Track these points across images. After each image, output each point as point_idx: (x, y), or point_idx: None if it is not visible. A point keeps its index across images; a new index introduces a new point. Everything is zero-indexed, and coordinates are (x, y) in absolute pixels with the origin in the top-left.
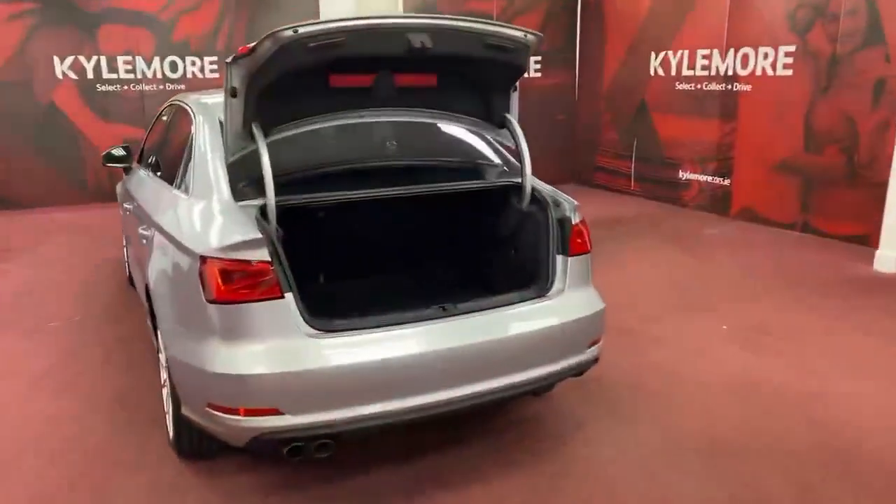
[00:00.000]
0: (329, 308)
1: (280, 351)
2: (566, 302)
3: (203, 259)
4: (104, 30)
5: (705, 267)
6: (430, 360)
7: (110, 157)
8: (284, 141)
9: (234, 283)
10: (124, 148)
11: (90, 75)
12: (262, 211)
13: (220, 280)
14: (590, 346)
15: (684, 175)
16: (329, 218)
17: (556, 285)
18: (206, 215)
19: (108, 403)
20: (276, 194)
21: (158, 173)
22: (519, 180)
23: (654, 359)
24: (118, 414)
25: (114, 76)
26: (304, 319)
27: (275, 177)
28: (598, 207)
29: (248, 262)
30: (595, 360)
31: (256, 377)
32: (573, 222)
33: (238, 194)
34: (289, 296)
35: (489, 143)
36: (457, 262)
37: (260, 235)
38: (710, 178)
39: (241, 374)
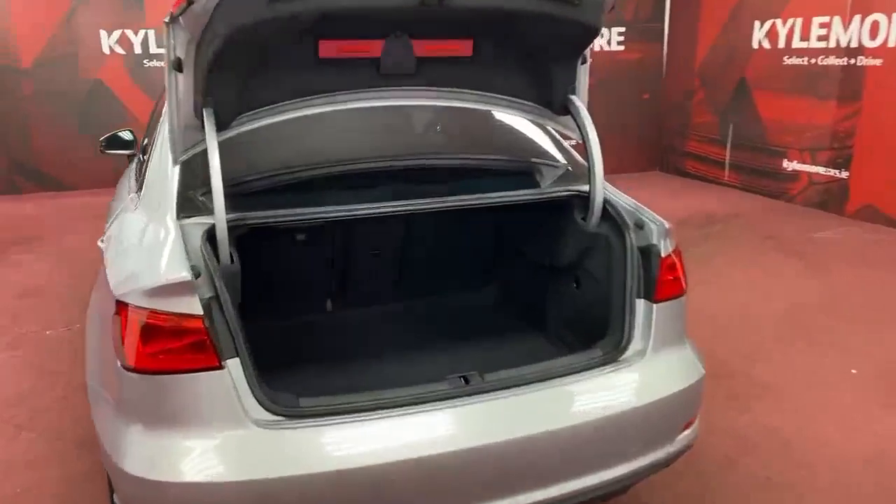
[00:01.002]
0: (301, 372)
1: (218, 448)
2: (649, 371)
3: (120, 305)
4: (152, 0)
5: (820, 281)
6: (445, 465)
7: (114, 142)
8: (256, 134)
9: (157, 345)
10: (131, 131)
11: (138, 50)
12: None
13: (139, 339)
14: (682, 431)
15: (790, 165)
16: (316, 238)
17: (636, 345)
18: (141, 237)
19: (72, 446)
20: (243, 207)
21: (141, 165)
22: (585, 188)
23: (764, 419)
24: (77, 463)
25: (162, 51)
26: (256, 398)
27: (241, 183)
28: (686, 201)
29: (173, 315)
30: (689, 447)
31: (181, 488)
32: (662, 253)
33: (188, 207)
34: (232, 364)
35: (548, 136)
36: (495, 296)
37: (189, 277)
38: (822, 170)
39: (160, 482)
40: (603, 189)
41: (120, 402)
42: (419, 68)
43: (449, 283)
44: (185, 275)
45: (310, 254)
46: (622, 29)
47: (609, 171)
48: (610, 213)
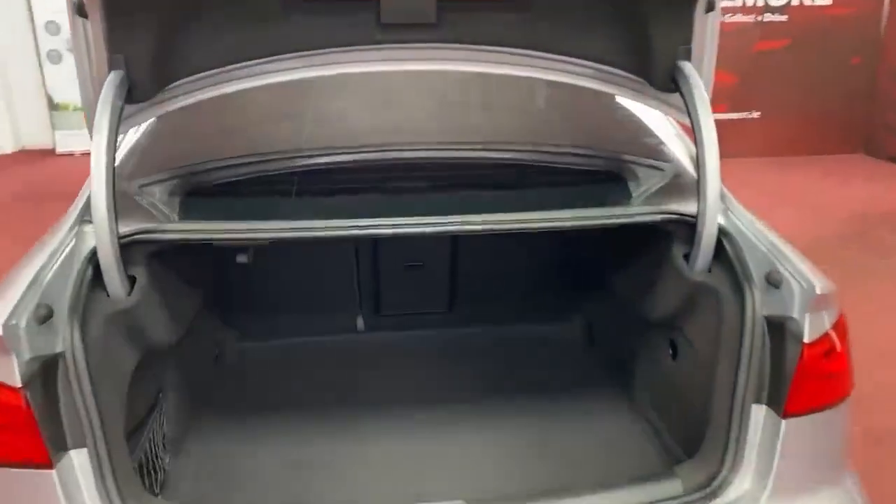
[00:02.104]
0: (262, 434)
1: None
2: None
3: None
4: None
5: None
6: None
7: None
8: (194, 109)
9: None
10: None
11: None
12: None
13: None
14: None
15: None
16: (269, 256)
17: (742, 481)
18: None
19: None
20: (190, 209)
21: None
22: (692, 209)
23: None
24: None
25: None
26: None
27: (196, 173)
28: (893, 194)
29: None
30: None
31: None
32: (805, 336)
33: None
34: (77, 458)
35: (665, 120)
36: (581, 331)
37: None
38: None
39: None
40: (719, 213)
41: None
42: (442, 16)
43: (522, 309)
44: None
45: (327, 259)
46: None
47: (798, 153)
48: (727, 254)
